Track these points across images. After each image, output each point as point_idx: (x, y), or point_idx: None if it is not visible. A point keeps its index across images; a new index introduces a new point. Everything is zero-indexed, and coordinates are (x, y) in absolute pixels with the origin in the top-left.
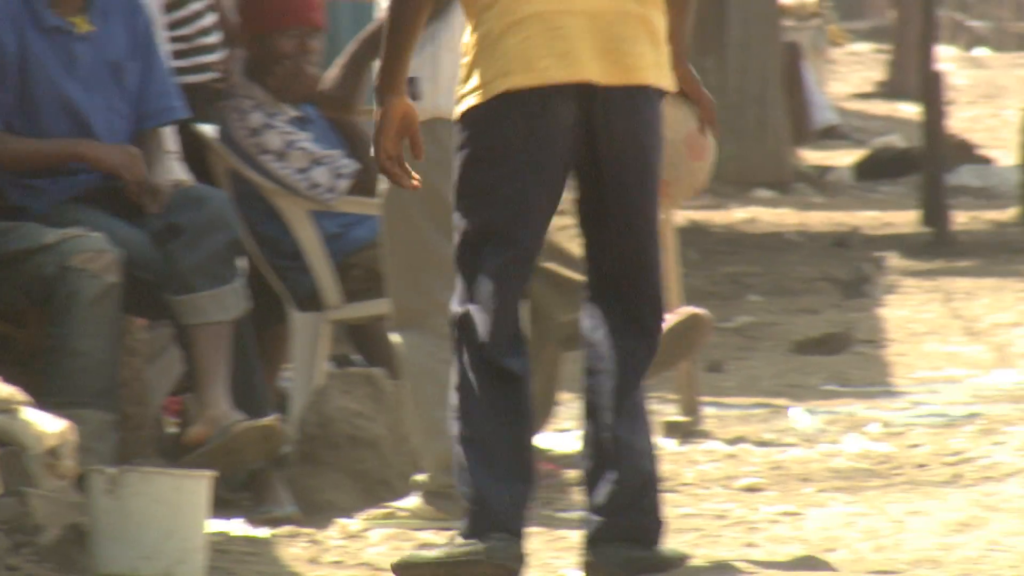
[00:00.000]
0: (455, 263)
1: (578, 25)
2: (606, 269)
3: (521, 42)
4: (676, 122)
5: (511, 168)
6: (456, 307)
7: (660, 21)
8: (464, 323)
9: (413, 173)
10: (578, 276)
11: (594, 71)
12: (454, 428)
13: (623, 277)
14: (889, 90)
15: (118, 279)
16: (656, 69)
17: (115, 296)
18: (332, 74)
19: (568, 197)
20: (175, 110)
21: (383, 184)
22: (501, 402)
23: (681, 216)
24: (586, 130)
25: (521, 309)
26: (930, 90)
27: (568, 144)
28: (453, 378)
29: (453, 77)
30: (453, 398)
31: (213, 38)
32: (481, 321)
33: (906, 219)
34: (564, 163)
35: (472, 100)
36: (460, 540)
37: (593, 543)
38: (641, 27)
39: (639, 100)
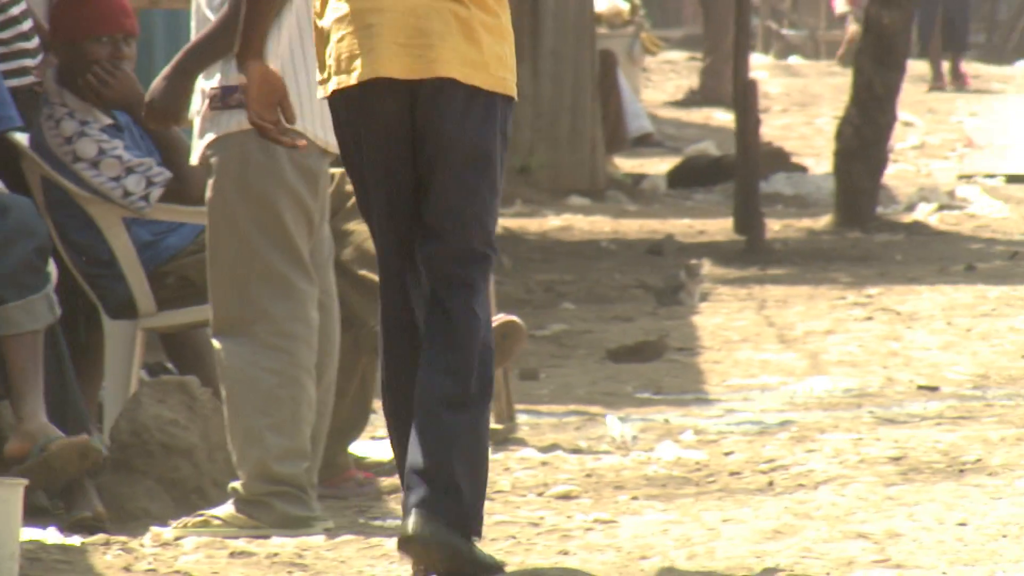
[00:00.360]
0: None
1: (385, 22)
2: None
3: (339, 41)
4: None
5: (355, 161)
6: None
7: (484, 19)
8: None
9: (296, 132)
10: None
11: (395, 67)
12: None
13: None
14: (703, 98)
15: None
16: (467, 66)
17: None
18: (157, 84)
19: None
20: (10, 119)
21: (209, 191)
22: None
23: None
24: (411, 123)
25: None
26: (743, 98)
27: (397, 135)
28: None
29: (290, 83)
30: None
31: (33, 43)
32: None
33: (720, 227)
34: (400, 155)
35: (320, 93)
36: None
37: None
38: (453, 22)
39: (447, 94)
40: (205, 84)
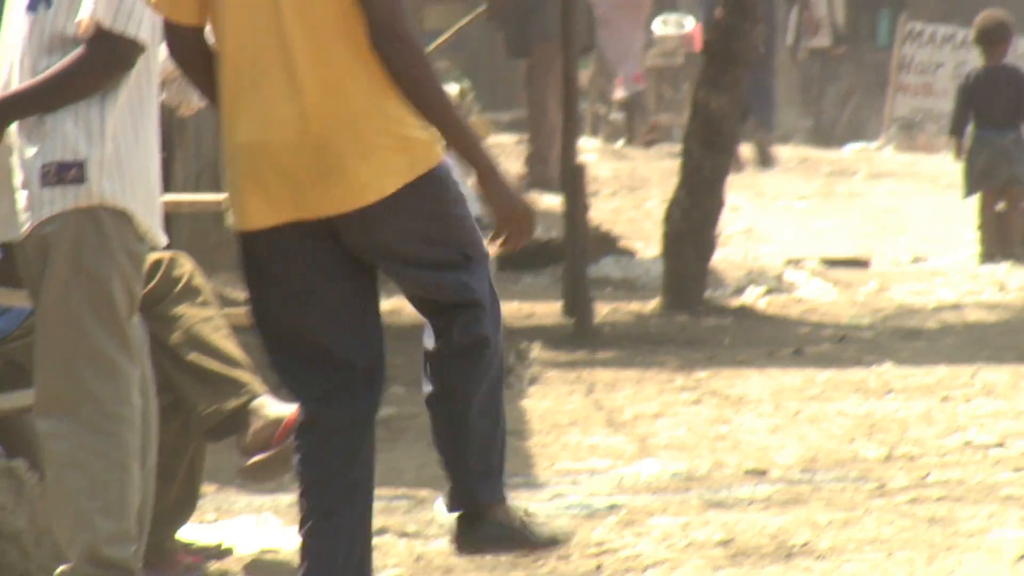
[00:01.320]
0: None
1: (279, 161)
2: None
3: (233, 179)
4: None
5: (253, 298)
6: None
7: (372, 123)
8: None
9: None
10: (222, 368)
11: (300, 210)
12: None
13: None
14: (531, 181)
15: None
16: (376, 180)
17: None
18: None
19: (211, 287)
20: None
21: (42, 270)
22: None
23: None
24: (332, 245)
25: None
26: (572, 182)
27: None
28: None
29: (121, 164)
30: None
31: None
32: None
33: (549, 310)
34: (323, 275)
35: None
36: None
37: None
38: (348, 146)
39: (370, 217)
40: (31, 157)
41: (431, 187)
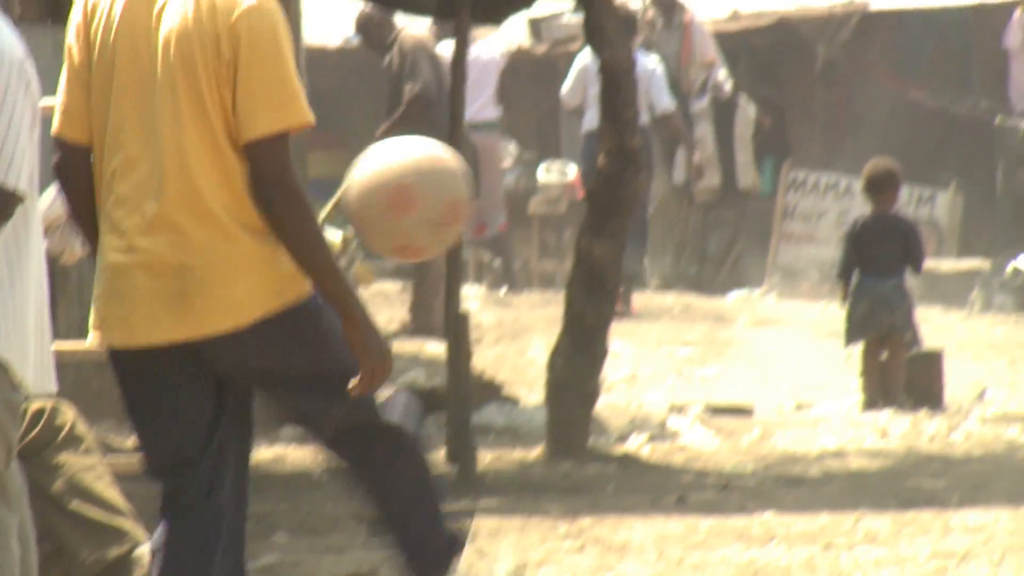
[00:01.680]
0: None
1: (141, 284)
2: None
3: (98, 296)
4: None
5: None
6: None
7: (218, 247)
8: None
9: None
10: (104, 516)
11: (156, 333)
12: None
13: None
14: (415, 329)
15: None
16: (238, 307)
17: None
18: None
19: (93, 435)
20: None
21: None
22: None
23: None
24: (191, 367)
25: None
26: (455, 329)
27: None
28: None
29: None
30: None
31: None
32: None
33: (432, 458)
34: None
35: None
36: None
37: None
38: (212, 270)
39: (233, 342)
40: None
41: (300, 316)
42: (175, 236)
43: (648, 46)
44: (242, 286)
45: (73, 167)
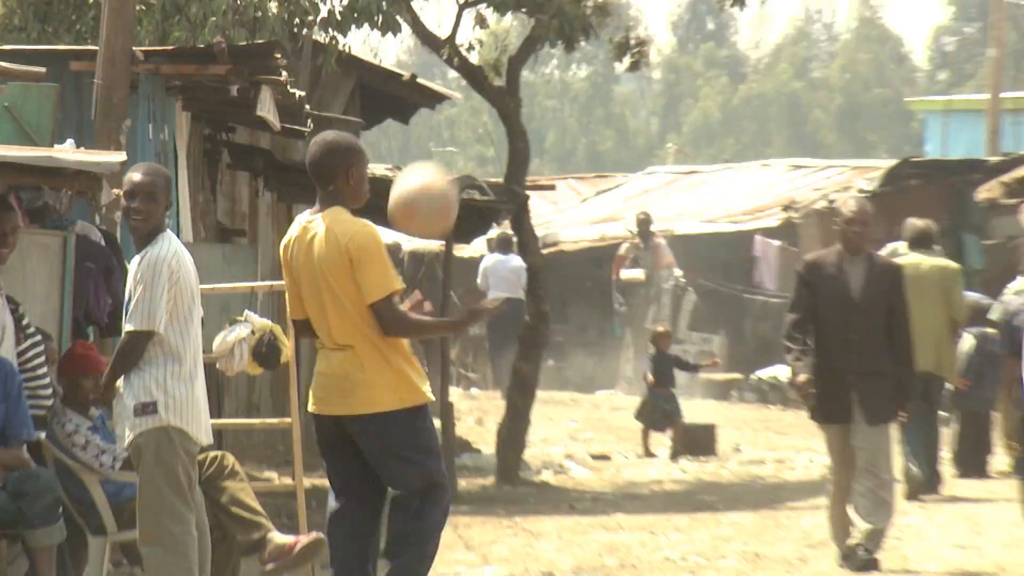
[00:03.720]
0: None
1: (325, 383)
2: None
3: (313, 388)
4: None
5: (320, 449)
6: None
7: (366, 366)
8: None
9: None
10: (248, 515)
11: (328, 409)
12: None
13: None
14: None
15: None
16: (367, 402)
17: None
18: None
19: (243, 470)
20: (28, 432)
21: (139, 461)
22: None
23: None
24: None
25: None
26: (446, 413)
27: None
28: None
29: (179, 398)
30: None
31: (47, 381)
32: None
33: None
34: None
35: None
36: None
37: None
38: (348, 382)
39: (362, 423)
40: (128, 398)
41: (406, 421)
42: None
43: (635, 260)
44: (377, 390)
45: (305, 330)
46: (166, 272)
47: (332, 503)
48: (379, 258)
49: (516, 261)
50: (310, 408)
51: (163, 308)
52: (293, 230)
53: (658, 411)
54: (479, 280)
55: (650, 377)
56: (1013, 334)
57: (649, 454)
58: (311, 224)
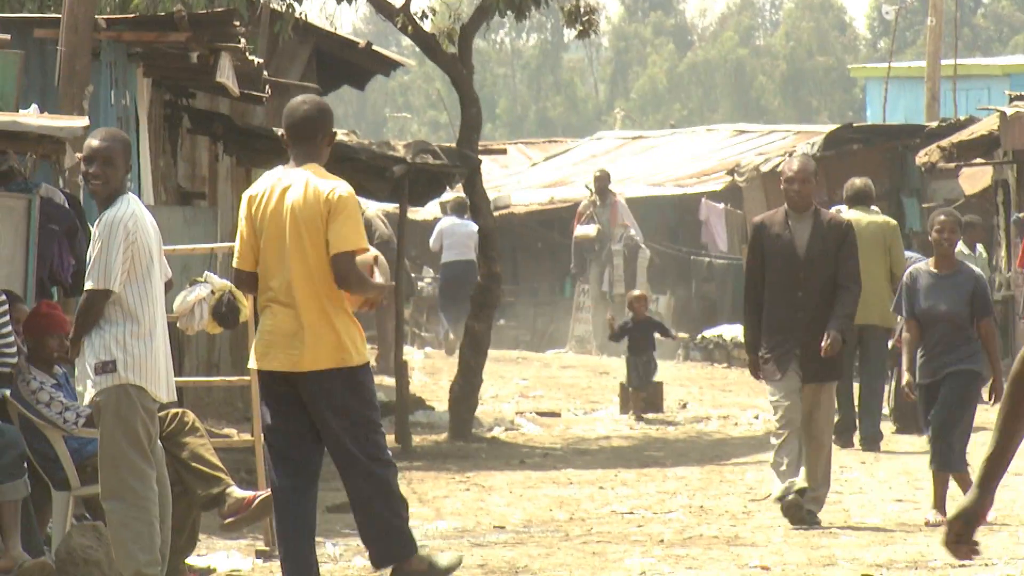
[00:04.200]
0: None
1: (271, 339)
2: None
3: (258, 335)
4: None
5: (264, 409)
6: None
7: (315, 322)
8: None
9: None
10: (208, 470)
11: (279, 364)
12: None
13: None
14: (379, 370)
15: None
16: (313, 360)
17: None
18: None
19: (203, 426)
20: None
21: (99, 420)
22: None
23: None
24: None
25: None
26: (400, 370)
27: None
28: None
29: (137, 357)
30: None
31: (11, 340)
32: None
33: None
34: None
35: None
36: None
37: None
38: (305, 334)
39: (312, 380)
40: (89, 357)
41: (349, 378)
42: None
43: (590, 216)
44: (323, 345)
45: (250, 284)
46: (122, 233)
47: (275, 478)
48: (355, 214)
49: (472, 225)
50: (254, 364)
51: (119, 267)
52: (263, 183)
53: (646, 375)
54: (432, 242)
55: (615, 332)
56: (912, 297)
57: (639, 417)
58: (284, 176)
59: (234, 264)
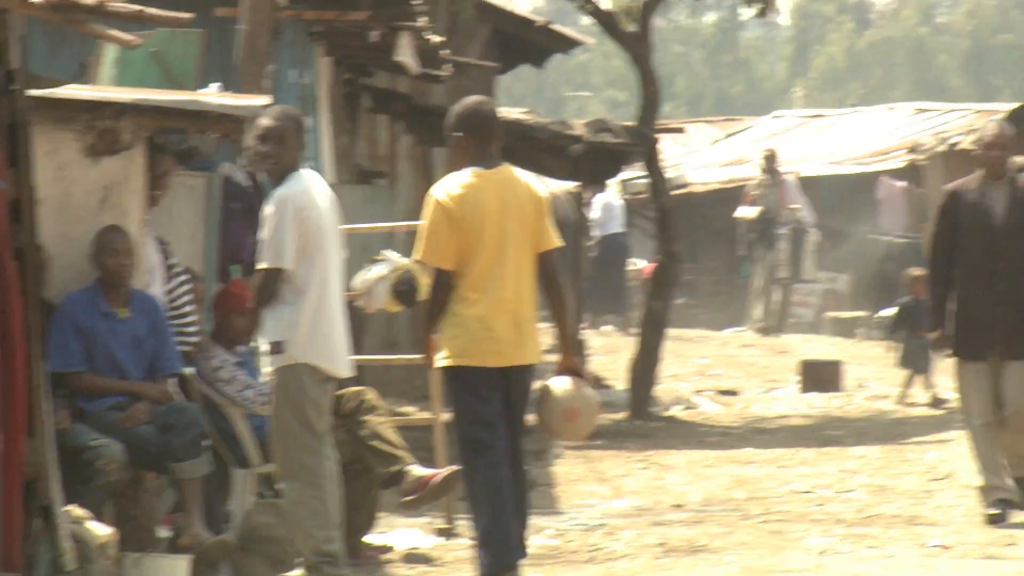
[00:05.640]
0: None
1: (491, 331)
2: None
3: (470, 336)
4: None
5: (466, 403)
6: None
7: (531, 318)
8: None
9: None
10: (388, 448)
11: (496, 360)
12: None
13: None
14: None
15: (117, 476)
16: (533, 352)
17: (113, 483)
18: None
19: (384, 405)
20: (176, 366)
21: (272, 399)
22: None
23: None
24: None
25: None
26: (578, 349)
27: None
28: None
29: (305, 336)
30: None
31: (193, 319)
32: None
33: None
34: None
35: (444, 363)
36: None
37: None
38: (524, 328)
39: (523, 372)
40: (264, 336)
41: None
42: (516, 308)
43: (757, 197)
44: (535, 341)
45: (449, 280)
46: (291, 211)
47: (480, 466)
48: (551, 213)
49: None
50: (480, 362)
51: (289, 245)
52: (460, 183)
53: (922, 355)
54: (599, 214)
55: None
56: None
57: (908, 400)
58: (491, 176)
59: (432, 262)
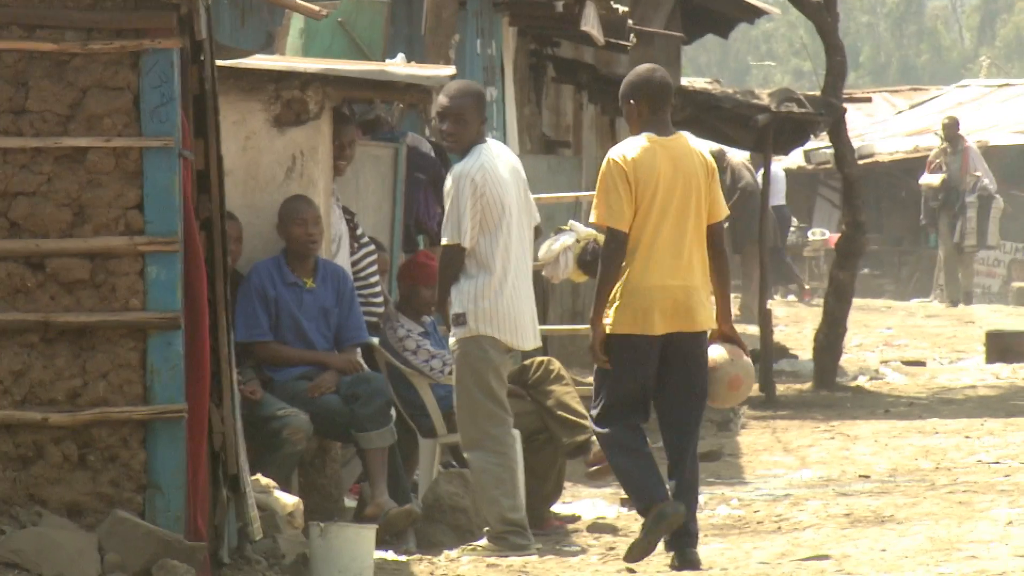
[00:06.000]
0: (600, 414)
1: (662, 297)
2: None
3: (641, 303)
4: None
5: (625, 371)
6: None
7: (707, 287)
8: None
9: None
10: (574, 417)
11: (664, 327)
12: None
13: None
14: (741, 319)
15: (303, 446)
16: (708, 319)
17: (299, 453)
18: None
19: (569, 374)
20: (362, 336)
21: (455, 369)
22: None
23: None
24: (662, 355)
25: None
26: (764, 319)
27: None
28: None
29: (488, 308)
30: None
31: (378, 289)
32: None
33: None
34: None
35: (610, 329)
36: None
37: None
38: (696, 295)
39: (695, 339)
40: (450, 308)
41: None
42: (687, 275)
43: (939, 165)
44: (707, 308)
45: (621, 244)
46: (469, 187)
47: (619, 434)
48: (719, 183)
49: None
50: (644, 330)
51: (469, 221)
52: (637, 146)
53: None
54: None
55: None
56: None
57: None
58: (666, 143)
59: (608, 222)
